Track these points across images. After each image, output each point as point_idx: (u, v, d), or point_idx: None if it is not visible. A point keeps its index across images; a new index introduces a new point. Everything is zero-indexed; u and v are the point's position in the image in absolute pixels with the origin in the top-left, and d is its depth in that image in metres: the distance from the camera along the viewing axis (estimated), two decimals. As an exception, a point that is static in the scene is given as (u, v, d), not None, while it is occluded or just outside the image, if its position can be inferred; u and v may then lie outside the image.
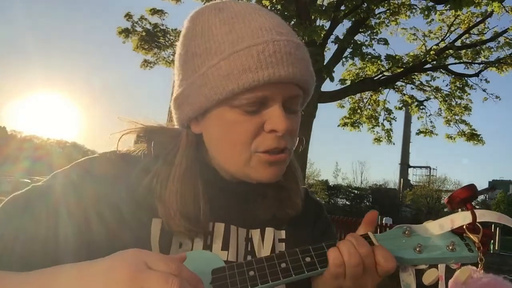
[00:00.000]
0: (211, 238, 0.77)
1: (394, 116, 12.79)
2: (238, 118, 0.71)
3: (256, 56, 0.67)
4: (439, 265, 0.65)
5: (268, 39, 0.67)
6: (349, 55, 9.99)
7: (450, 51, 10.96)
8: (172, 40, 10.60)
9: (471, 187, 0.65)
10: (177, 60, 0.78)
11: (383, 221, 16.28)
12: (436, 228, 0.66)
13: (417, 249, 0.65)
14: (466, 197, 0.64)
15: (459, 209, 0.68)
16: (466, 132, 12.03)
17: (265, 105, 0.71)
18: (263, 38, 0.68)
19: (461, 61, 11.44)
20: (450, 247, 0.65)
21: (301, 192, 0.87)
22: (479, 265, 0.64)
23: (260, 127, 0.71)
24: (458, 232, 0.66)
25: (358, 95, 12.36)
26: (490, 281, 0.62)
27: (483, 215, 0.64)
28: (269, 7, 9.01)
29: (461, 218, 0.65)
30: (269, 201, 0.82)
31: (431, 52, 10.95)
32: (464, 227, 0.65)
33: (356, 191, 41.05)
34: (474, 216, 0.63)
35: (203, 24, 0.73)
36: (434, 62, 10.90)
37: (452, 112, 12.15)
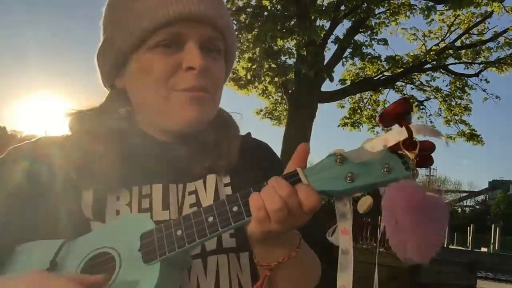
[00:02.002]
0: (150, 201, 0.76)
1: (394, 116, 12.76)
2: (154, 57, 0.73)
3: None
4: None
5: None
6: (349, 55, 9.99)
7: (450, 51, 10.96)
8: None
9: (405, 100, 0.58)
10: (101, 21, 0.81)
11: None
12: (369, 149, 0.59)
13: (348, 178, 0.59)
14: (400, 112, 0.57)
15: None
16: (466, 132, 12.03)
17: (182, 45, 0.73)
18: None
19: (461, 61, 11.44)
20: (385, 169, 0.59)
21: (235, 140, 0.85)
22: (413, 178, 0.58)
23: (177, 66, 0.73)
24: (394, 151, 0.60)
25: (358, 95, 12.36)
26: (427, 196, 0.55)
27: (421, 130, 0.57)
28: (269, 7, 9.01)
29: (396, 134, 0.58)
30: (202, 155, 0.81)
31: (431, 52, 10.96)
32: (400, 144, 0.58)
33: (356, 191, 40.98)
34: (409, 130, 0.57)
35: None
36: (434, 62, 10.91)
37: (452, 112, 12.14)
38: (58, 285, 0.56)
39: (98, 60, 0.81)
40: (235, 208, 0.61)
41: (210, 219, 0.61)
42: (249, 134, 0.93)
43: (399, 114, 0.58)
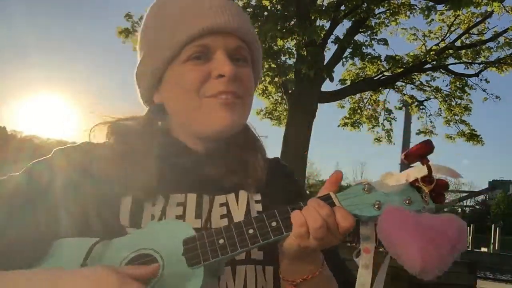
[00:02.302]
0: (184, 209, 0.80)
1: (394, 116, 12.80)
2: (186, 69, 0.79)
3: (195, 10, 0.78)
4: None
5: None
6: (349, 55, 9.98)
7: (450, 51, 10.95)
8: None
9: (428, 143, 0.68)
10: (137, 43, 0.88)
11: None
12: (393, 182, 0.69)
13: (376, 206, 0.67)
14: (423, 152, 0.67)
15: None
16: (466, 132, 12.03)
17: (210, 56, 0.79)
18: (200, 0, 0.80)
19: (461, 61, 11.43)
20: (407, 202, 0.67)
21: (263, 162, 0.90)
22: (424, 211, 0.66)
23: (207, 75, 0.78)
24: (415, 186, 0.69)
25: (358, 95, 12.35)
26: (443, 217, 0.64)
27: (439, 170, 0.67)
28: (269, 7, 9.01)
29: (417, 171, 0.68)
30: (232, 171, 0.86)
31: (431, 52, 10.95)
32: (419, 179, 0.67)
33: (356, 191, 40.93)
34: (429, 169, 0.66)
35: (153, 6, 0.87)
36: (434, 62, 10.90)
37: (452, 112, 12.14)
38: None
39: (138, 79, 0.88)
40: (273, 224, 0.67)
41: (251, 231, 0.66)
42: (278, 158, 1.01)
43: (422, 154, 0.67)
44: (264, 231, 0.66)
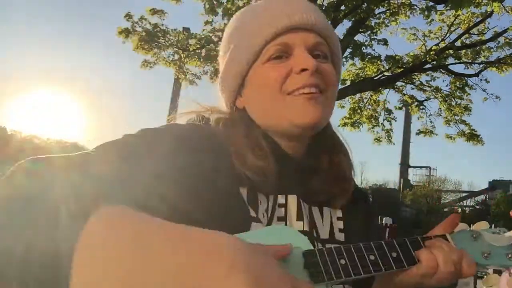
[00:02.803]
0: (285, 210, 0.79)
1: (394, 116, 12.79)
2: (268, 68, 0.79)
3: (272, 12, 0.80)
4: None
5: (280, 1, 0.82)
6: (349, 55, 9.99)
7: (450, 51, 10.95)
8: (172, 40, 10.59)
9: None
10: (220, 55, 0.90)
11: (383, 221, 16.28)
12: (504, 238, 0.72)
13: (485, 255, 0.70)
14: None
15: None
16: (466, 132, 12.03)
17: (291, 54, 0.79)
18: (276, 2, 0.83)
19: (461, 61, 11.43)
20: (509, 256, 0.71)
21: (352, 166, 0.90)
22: None
23: (289, 72, 0.78)
24: None
25: (358, 95, 12.34)
26: None
27: None
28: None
29: None
30: (322, 175, 0.85)
31: (431, 52, 10.94)
32: None
33: (356, 191, 40.97)
34: None
35: (235, 16, 0.89)
36: (434, 62, 10.90)
37: (452, 112, 12.14)
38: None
39: (222, 84, 0.88)
40: (394, 254, 0.66)
41: (372, 257, 0.65)
42: (354, 182, 0.98)
43: None
44: (386, 260, 0.65)
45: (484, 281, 0.71)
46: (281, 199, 0.80)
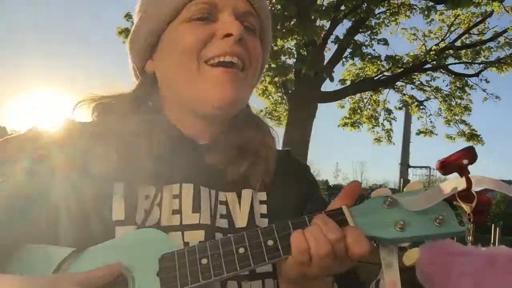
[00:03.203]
0: (180, 201, 0.69)
1: (394, 116, 12.80)
2: (188, 27, 0.68)
3: None
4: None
5: None
6: (349, 55, 9.98)
7: (450, 51, 10.94)
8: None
9: (470, 150, 0.55)
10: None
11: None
12: (424, 198, 0.56)
13: (398, 226, 0.55)
14: (464, 161, 0.55)
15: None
16: (466, 132, 12.02)
17: (216, 17, 0.69)
18: None
19: (461, 61, 11.42)
20: (438, 221, 0.55)
21: (272, 151, 0.79)
22: (468, 237, 0.55)
23: (211, 36, 0.68)
24: (449, 201, 0.57)
25: (358, 95, 12.34)
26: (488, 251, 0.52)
27: (481, 182, 0.54)
28: (269, 7, 9.00)
29: (453, 185, 0.55)
30: (238, 161, 0.74)
31: (431, 52, 10.94)
32: (456, 194, 0.55)
33: (356, 191, 40.96)
34: (469, 182, 0.53)
35: None
36: (434, 62, 10.89)
37: (452, 112, 12.13)
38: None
39: (130, 43, 0.77)
40: (270, 242, 0.56)
41: (241, 250, 0.55)
42: (289, 151, 0.86)
43: (462, 164, 0.54)
44: (258, 251, 0.55)
45: (404, 258, 0.55)
46: (175, 189, 0.69)
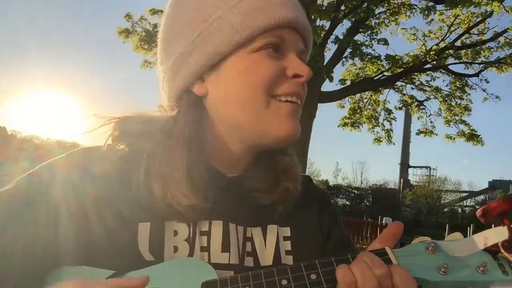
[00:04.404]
0: (208, 239, 0.68)
1: (394, 116, 12.81)
2: (260, 59, 0.67)
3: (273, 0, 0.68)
4: None
5: None
6: (349, 55, 10.00)
7: (450, 51, 10.96)
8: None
9: (511, 199, 0.57)
10: (166, 28, 0.74)
11: (383, 221, 16.29)
12: (466, 245, 0.58)
13: (442, 270, 0.56)
14: (505, 210, 0.57)
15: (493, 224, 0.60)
16: (466, 132, 12.04)
17: (284, 53, 0.70)
18: None
19: (461, 61, 11.44)
20: (481, 268, 0.56)
21: (299, 170, 0.79)
22: None
23: (282, 72, 0.69)
24: (491, 250, 0.58)
25: (358, 95, 12.35)
26: None
27: None
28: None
29: (496, 234, 0.57)
30: (266, 196, 0.73)
31: (431, 52, 10.95)
32: (499, 244, 0.56)
33: (356, 191, 41.10)
34: (511, 231, 0.55)
35: None
36: (434, 62, 10.91)
37: (452, 112, 12.15)
38: None
39: (171, 74, 0.72)
40: (313, 276, 0.56)
41: (284, 282, 0.56)
42: (309, 177, 0.85)
43: (503, 212, 0.56)
44: (300, 283, 0.56)
45: None
46: (204, 226, 0.69)
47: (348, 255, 0.59)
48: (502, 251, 0.56)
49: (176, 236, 0.67)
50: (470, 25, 11.18)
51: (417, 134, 13.05)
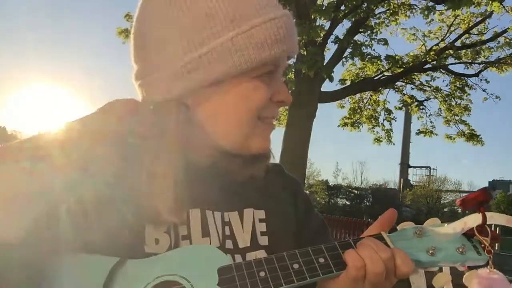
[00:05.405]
0: (188, 228, 0.71)
1: (394, 116, 12.82)
2: (259, 86, 0.72)
3: (276, 30, 0.69)
4: (443, 268, 0.66)
5: (278, 15, 0.70)
6: (349, 55, 9.99)
7: (450, 51, 10.96)
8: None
9: (486, 190, 0.67)
10: (165, 25, 0.71)
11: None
12: (449, 230, 0.67)
13: (430, 251, 0.64)
14: (482, 200, 0.66)
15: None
16: (466, 132, 12.04)
17: (273, 75, 0.74)
18: (273, 13, 0.70)
19: (461, 61, 11.45)
20: (461, 250, 0.65)
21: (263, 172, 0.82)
22: (489, 267, 0.65)
23: (271, 96, 0.74)
24: (468, 234, 0.67)
25: (358, 95, 12.36)
26: (500, 278, 0.63)
27: (492, 217, 0.65)
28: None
29: (472, 220, 0.66)
30: (238, 184, 0.78)
31: (431, 52, 10.96)
32: (474, 228, 0.66)
33: (356, 191, 41.12)
34: (484, 218, 0.65)
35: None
36: (434, 62, 10.91)
37: (452, 112, 12.15)
38: None
39: (179, 73, 0.69)
40: (321, 260, 0.62)
41: (296, 265, 0.61)
42: (281, 166, 0.91)
43: (480, 202, 0.66)
44: (311, 267, 0.61)
45: (434, 281, 0.64)
46: (184, 216, 0.71)
47: (350, 240, 0.65)
48: (476, 234, 0.66)
49: (156, 229, 0.69)
50: (470, 25, 11.19)
51: (417, 134, 13.06)
